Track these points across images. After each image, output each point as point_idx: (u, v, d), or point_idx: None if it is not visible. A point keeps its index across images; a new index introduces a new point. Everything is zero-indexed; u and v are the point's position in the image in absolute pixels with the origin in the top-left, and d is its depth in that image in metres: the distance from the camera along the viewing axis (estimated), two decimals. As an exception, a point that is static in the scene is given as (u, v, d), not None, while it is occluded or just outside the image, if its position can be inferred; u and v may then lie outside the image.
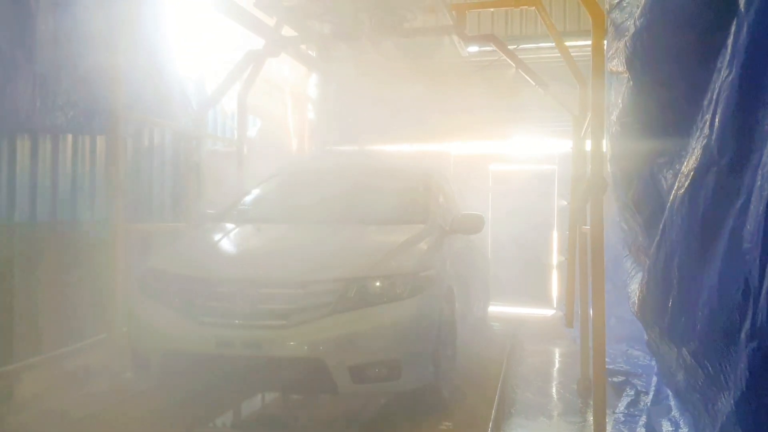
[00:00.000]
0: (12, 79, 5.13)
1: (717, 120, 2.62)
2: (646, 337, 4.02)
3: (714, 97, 2.66)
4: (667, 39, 3.41)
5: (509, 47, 9.85)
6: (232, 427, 4.77)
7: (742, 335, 2.23)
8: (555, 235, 11.51)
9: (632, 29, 3.70)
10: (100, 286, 5.69)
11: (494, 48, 7.36)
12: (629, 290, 4.48)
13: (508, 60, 7.28)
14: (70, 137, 6.25)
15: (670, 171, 3.43)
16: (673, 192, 3.06)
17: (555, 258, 11.47)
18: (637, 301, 3.89)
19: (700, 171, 2.76)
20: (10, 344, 5.59)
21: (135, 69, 5.87)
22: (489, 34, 8.18)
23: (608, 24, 4.60)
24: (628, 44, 3.79)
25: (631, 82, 3.88)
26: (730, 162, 2.54)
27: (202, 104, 7.56)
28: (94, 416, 4.37)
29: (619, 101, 4.13)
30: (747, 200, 2.33)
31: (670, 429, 4.06)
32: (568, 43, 6.23)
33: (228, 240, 5.25)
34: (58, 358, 5.97)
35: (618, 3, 4.33)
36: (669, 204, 3.12)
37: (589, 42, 4.69)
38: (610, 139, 4.51)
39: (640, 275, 4.31)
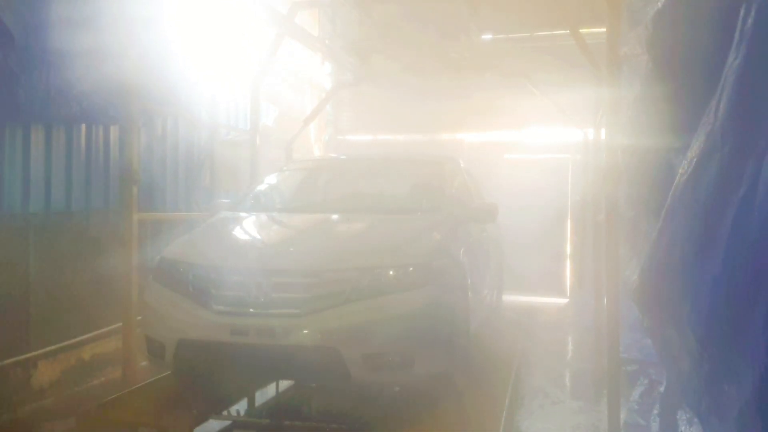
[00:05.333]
0: (26, 69, 5.15)
1: (722, 106, 2.58)
2: (645, 323, 4.01)
3: (722, 82, 2.63)
4: (687, 21, 3.37)
5: (522, 35, 9.86)
6: (246, 415, 4.79)
7: (755, 322, 2.21)
8: (569, 224, 11.47)
9: (652, 10, 3.67)
10: (114, 274, 5.73)
11: (508, 36, 7.42)
12: (624, 275, 4.48)
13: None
14: (83, 127, 6.28)
15: (682, 157, 3.40)
16: (677, 178, 3.04)
17: (569, 247, 11.45)
18: (636, 286, 3.87)
19: (704, 158, 2.73)
20: (27, 333, 5.64)
21: (149, 58, 5.88)
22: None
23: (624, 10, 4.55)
24: (648, 25, 3.75)
25: (651, 65, 3.82)
26: (732, 149, 2.51)
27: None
28: (109, 404, 4.40)
29: (636, 86, 4.08)
30: (751, 188, 2.30)
31: (684, 417, 4.04)
32: (582, 30, 6.17)
33: (242, 229, 5.25)
34: (74, 346, 6.02)
35: None
36: (672, 190, 3.10)
37: (603, 29, 4.63)
38: (626, 125, 4.47)
39: (634, 261, 4.31)
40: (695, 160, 2.80)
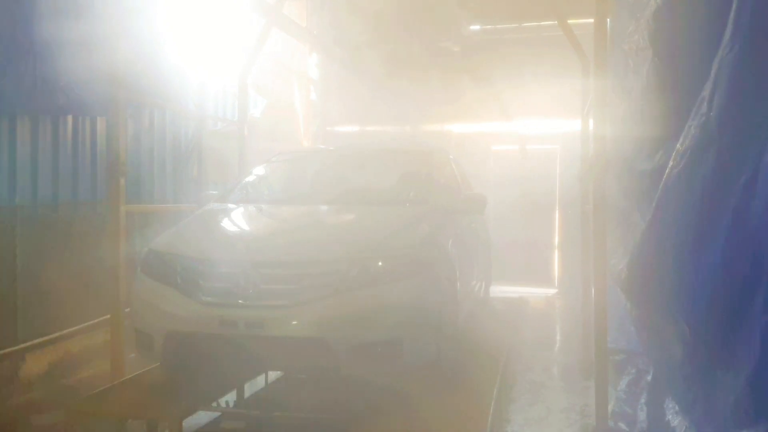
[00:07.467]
0: (12, 59, 5.10)
1: (716, 98, 2.59)
2: (633, 312, 4.03)
3: (712, 75, 2.63)
4: (686, 16, 3.38)
5: (509, 26, 9.89)
6: (236, 406, 4.79)
7: (755, 309, 2.23)
8: (557, 215, 11.51)
9: (654, 5, 3.68)
10: (102, 267, 5.70)
11: (497, 26, 7.42)
12: (611, 264, 4.50)
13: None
14: (70, 118, 6.23)
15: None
16: (668, 170, 3.04)
17: (557, 237, 11.50)
18: (625, 276, 3.89)
19: (699, 149, 2.73)
20: (14, 325, 5.62)
21: (136, 49, 5.84)
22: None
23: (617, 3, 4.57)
24: (650, 21, 3.77)
25: (655, 59, 3.83)
26: (731, 139, 2.52)
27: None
28: (97, 396, 4.39)
29: (642, 79, 4.08)
30: (752, 178, 2.31)
31: (671, 406, 4.07)
32: (571, 21, 6.18)
33: (230, 221, 5.24)
34: (62, 338, 6.00)
35: None
36: (663, 182, 3.10)
37: (591, 20, 4.64)
38: (631, 116, 4.47)
39: (620, 250, 4.33)
40: (689, 151, 2.80)
